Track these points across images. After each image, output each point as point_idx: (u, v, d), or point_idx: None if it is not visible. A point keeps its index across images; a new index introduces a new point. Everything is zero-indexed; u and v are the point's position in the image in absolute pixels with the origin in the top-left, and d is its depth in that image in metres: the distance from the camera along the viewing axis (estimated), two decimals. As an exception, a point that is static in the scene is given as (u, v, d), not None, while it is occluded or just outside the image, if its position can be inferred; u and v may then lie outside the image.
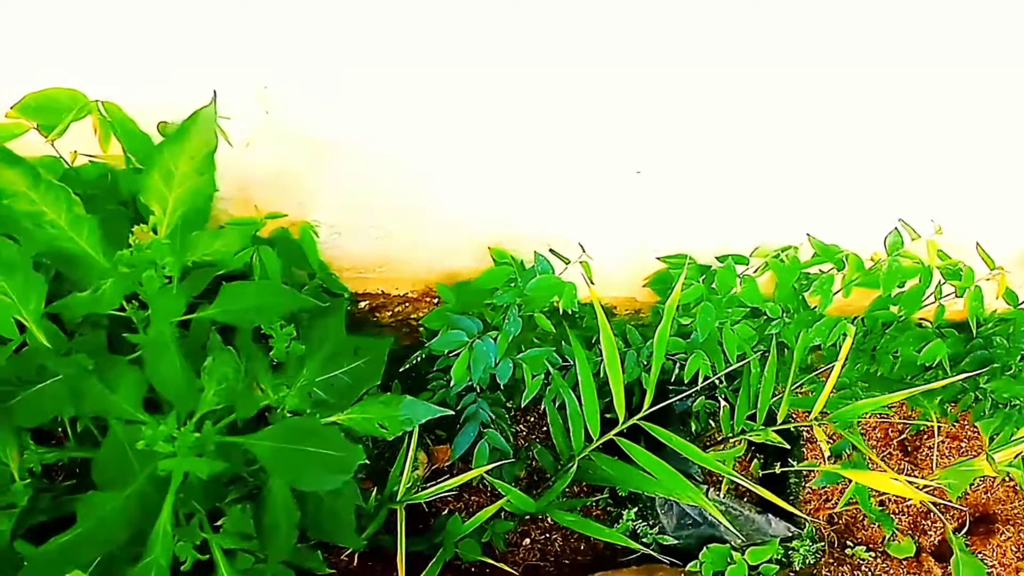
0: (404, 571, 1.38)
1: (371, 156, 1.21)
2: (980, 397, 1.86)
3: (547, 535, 1.76)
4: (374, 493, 1.49)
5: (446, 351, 1.44)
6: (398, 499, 1.47)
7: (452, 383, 1.43)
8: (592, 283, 1.48)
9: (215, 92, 0.80)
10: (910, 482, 1.62)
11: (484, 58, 1.07)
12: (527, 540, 1.74)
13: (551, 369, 1.56)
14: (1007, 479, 2.17)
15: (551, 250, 1.46)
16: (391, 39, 1.01)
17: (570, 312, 1.49)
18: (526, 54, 1.07)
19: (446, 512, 1.69)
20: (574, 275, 1.48)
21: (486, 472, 1.53)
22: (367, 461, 1.63)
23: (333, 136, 1.16)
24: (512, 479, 1.66)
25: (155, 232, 0.79)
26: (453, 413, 1.28)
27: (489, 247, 1.43)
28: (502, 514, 1.69)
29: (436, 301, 1.58)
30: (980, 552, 1.94)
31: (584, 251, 1.46)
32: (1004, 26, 1.14)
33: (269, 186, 1.20)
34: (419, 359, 1.59)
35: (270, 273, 1.19)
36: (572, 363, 1.58)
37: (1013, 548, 1.96)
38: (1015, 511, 2.07)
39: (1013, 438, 1.61)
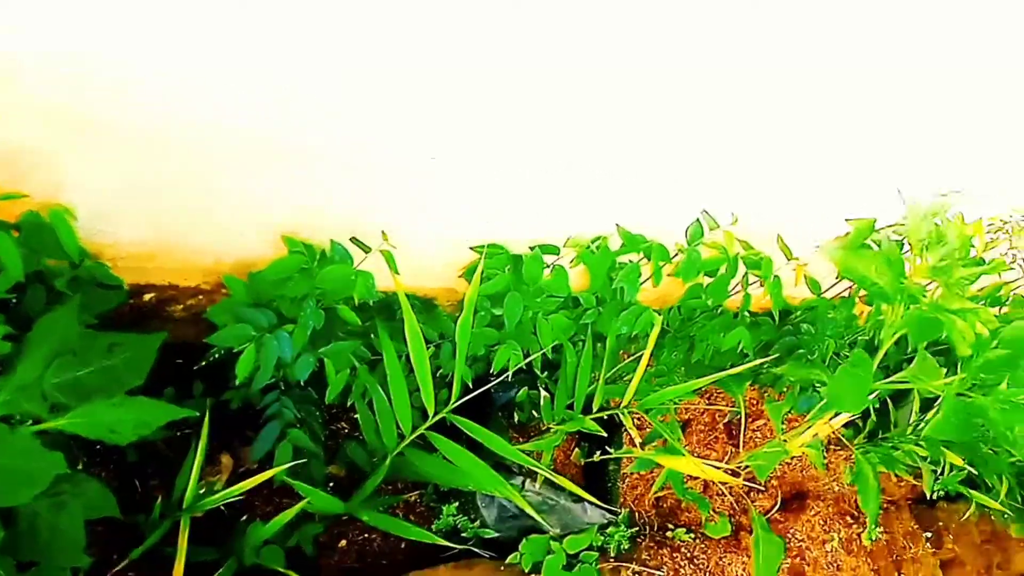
0: (184, 584, 1.28)
1: (145, 134, 1.10)
2: (789, 384, 1.95)
3: (365, 535, 1.69)
4: (158, 501, 1.37)
5: (236, 347, 1.35)
6: (184, 506, 1.36)
7: (238, 380, 1.33)
8: (397, 272, 1.42)
9: None
10: (716, 466, 1.68)
11: (275, 33, 0.98)
12: (343, 541, 1.67)
13: (357, 364, 1.49)
14: (824, 456, 2.31)
15: (352, 239, 1.39)
16: (163, 6, 0.91)
17: (372, 303, 1.42)
18: (319, 37, 1.00)
19: (244, 519, 1.59)
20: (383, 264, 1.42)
21: (287, 474, 1.44)
22: (159, 463, 1.52)
23: (97, 112, 1.04)
24: (322, 478, 1.58)
25: None
26: (198, 415, 1.18)
27: (282, 235, 1.34)
28: (316, 516, 1.61)
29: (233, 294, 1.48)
30: (792, 527, 2.05)
31: (386, 239, 1.39)
32: (800, 27, 1.17)
33: (14, 166, 1.07)
34: (217, 356, 1.48)
35: (3, 261, 1.06)
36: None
37: (821, 522, 2.08)
38: (825, 487, 2.21)
39: (807, 419, 1.69)
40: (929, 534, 2.26)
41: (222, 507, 1.51)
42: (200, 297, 1.49)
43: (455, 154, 1.29)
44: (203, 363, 1.49)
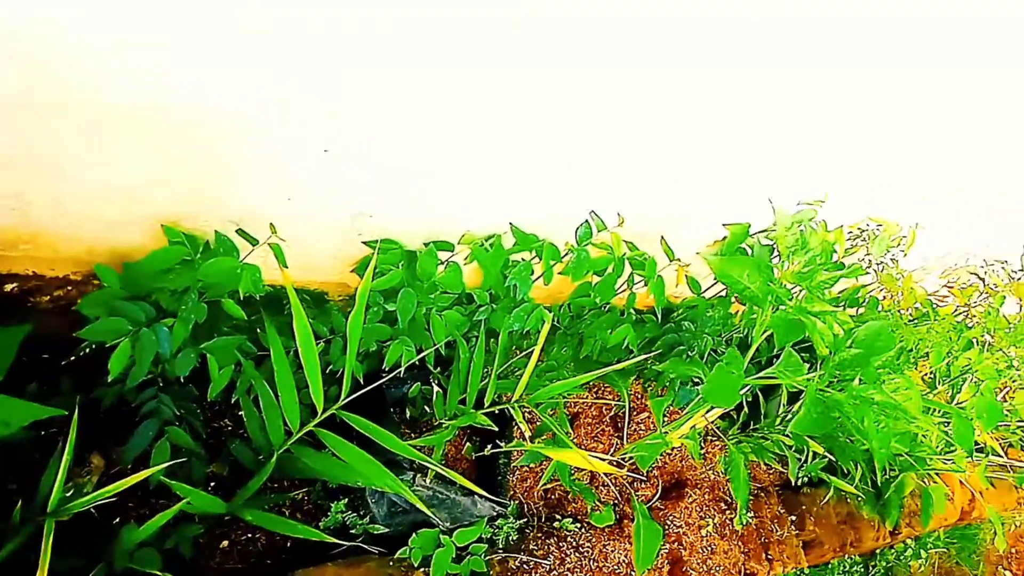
0: (49, 593, 1.20)
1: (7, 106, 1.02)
2: (671, 379, 2.05)
3: (249, 535, 1.65)
4: (19, 505, 1.28)
5: (109, 341, 1.28)
6: (49, 510, 1.28)
7: (110, 377, 1.26)
8: (285, 266, 1.39)
9: None
10: (601, 458, 1.75)
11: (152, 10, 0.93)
12: (225, 542, 1.62)
13: (242, 360, 1.45)
14: (702, 447, 2.45)
15: (239, 231, 1.35)
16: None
17: (258, 298, 1.39)
18: (203, 19, 0.96)
19: (117, 521, 1.51)
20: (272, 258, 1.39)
21: (164, 474, 1.38)
22: (17, 467, 1.41)
23: None
24: (203, 478, 1.53)
25: None
26: (66, 413, 1.12)
27: (162, 224, 1.28)
28: (196, 517, 1.55)
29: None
30: (671, 514, 2.16)
31: (275, 232, 1.36)
32: (683, 29, 1.22)
33: None
34: (88, 350, 1.40)
35: None
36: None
37: (698, 508, 2.21)
38: (703, 476, 2.34)
39: (686, 412, 1.79)
40: (794, 517, 2.45)
41: (92, 510, 1.43)
42: (69, 288, 1.40)
43: (348, 147, 1.28)
44: (72, 358, 1.40)
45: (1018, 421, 2.62)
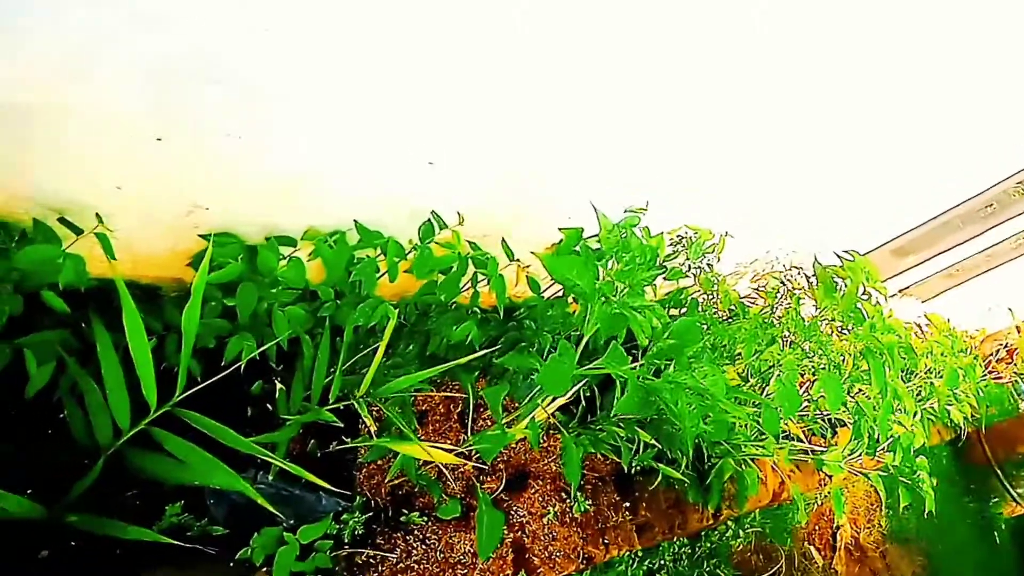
0: None
1: None
2: (512, 372, 2.16)
3: (74, 542, 1.55)
4: None
5: (-95, 335, 1.18)
6: None
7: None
8: (113, 257, 1.35)
9: None
10: (445, 449, 1.81)
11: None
12: (45, 551, 1.52)
13: (66, 357, 1.38)
14: (544, 440, 2.58)
15: (61, 219, 1.30)
16: None
17: (83, 291, 1.34)
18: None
19: (-87, 533, 1.38)
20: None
21: (-29, 479, 1.29)
22: None
23: None
24: (19, 483, 1.42)
25: None
26: None
27: (-31, 210, 1.21)
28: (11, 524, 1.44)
29: (-97, 275, 1.29)
30: (515, 505, 2.27)
31: (101, 222, 1.32)
32: (505, 29, 1.32)
33: None
34: None
35: None
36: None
37: (540, 498, 2.34)
38: (545, 467, 2.47)
39: (522, 405, 1.90)
40: (628, 504, 2.64)
41: None
42: None
43: (181, 135, 1.27)
44: None
45: (816, 411, 2.99)
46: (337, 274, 1.63)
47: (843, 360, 2.78)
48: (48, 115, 1.14)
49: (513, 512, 2.23)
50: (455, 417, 2.34)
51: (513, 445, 2.42)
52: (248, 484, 1.52)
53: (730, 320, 2.58)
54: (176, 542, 1.53)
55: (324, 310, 1.67)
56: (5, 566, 1.41)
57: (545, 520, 2.29)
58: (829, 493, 3.62)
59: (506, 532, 2.15)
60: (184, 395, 1.45)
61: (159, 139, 1.24)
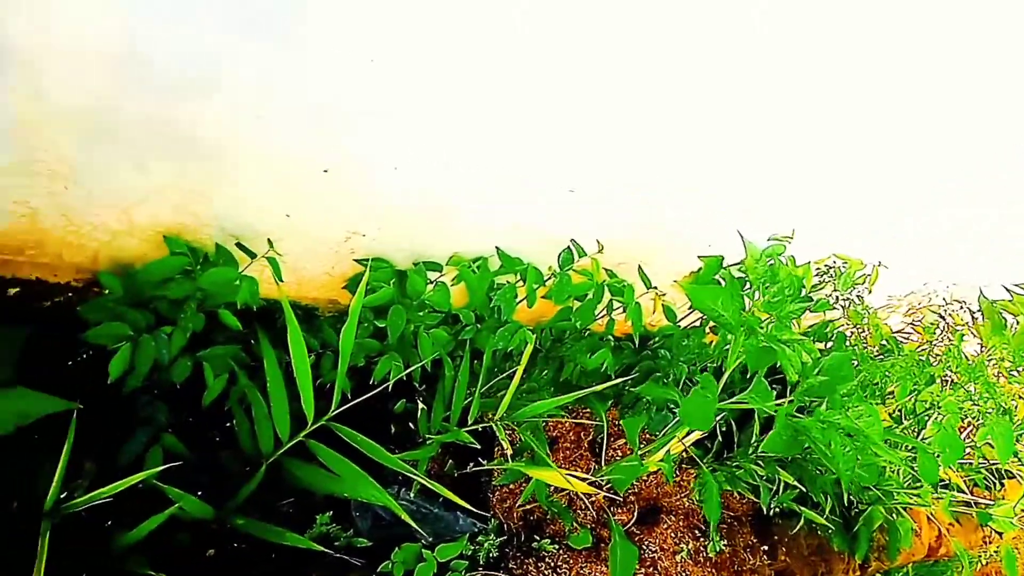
0: (41, 592, 1.23)
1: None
2: (647, 402, 2.12)
3: (235, 544, 1.67)
4: (15, 505, 1.31)
5: (110, 346, 1.33)
6: (45, 510, 1.31)
7: (111, 379, 1.32)
8: (281, 280, 1.46)
9: None
10: (580, 478, 1.80)
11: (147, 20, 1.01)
12: (212, 550, 1.64)
13: (237, 369, 1.50)
14: (677, 474, 2.50)
15: (238, 244, 1.42)
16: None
17: (255, 309, 1.45)
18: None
19: (109, 524, 1.53)
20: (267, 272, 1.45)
21: (157, 479, 1.42)
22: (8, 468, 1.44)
23: None
24: (193, 485, 1.56)
25: None
26: (80, 406, 1.17)
27: (164, 235, 1.35)
28: (184, 523, 1.57)
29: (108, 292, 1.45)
30: (646, 539, 2.21)
31: (272, 247, 1.43)
32: (677, 55, 1.32)
33: None
34: (87, 355, 1.45)
35: None
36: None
37: (672, 534, 2.26)
38: (678, 502, 2.39)
39: (658, 437, 1.85)
40: (766, 547, 2.50)
41: (84, 514, 1.46)
42: (70, 295, 1.45)
43: (346, 167, 1.36)
44: (70, 363, 1.45)
45: (981, 459, 2.71)
46: (479, 299, 1.67)
47: (1014, 405, 2.51)
48: (230, 150, 1.26)
49: (645, 547, 2.18)
50: (584, 445, 2.32)
51: (644, 477, 2.36)
52: (392, 499, 1.58)
53: (882, 357, 2.41)
54: (327, 551, 1.61)
55: (465, 333, 1.71)
56: (178, 562, 1.53)
57: (678, 558, 2.21)
58: (997, 551, 3.26)
59: (638, 568, 2.10)
60: (338, 411, 1.54)
61: (326, 171, 1.34)
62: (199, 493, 1.65)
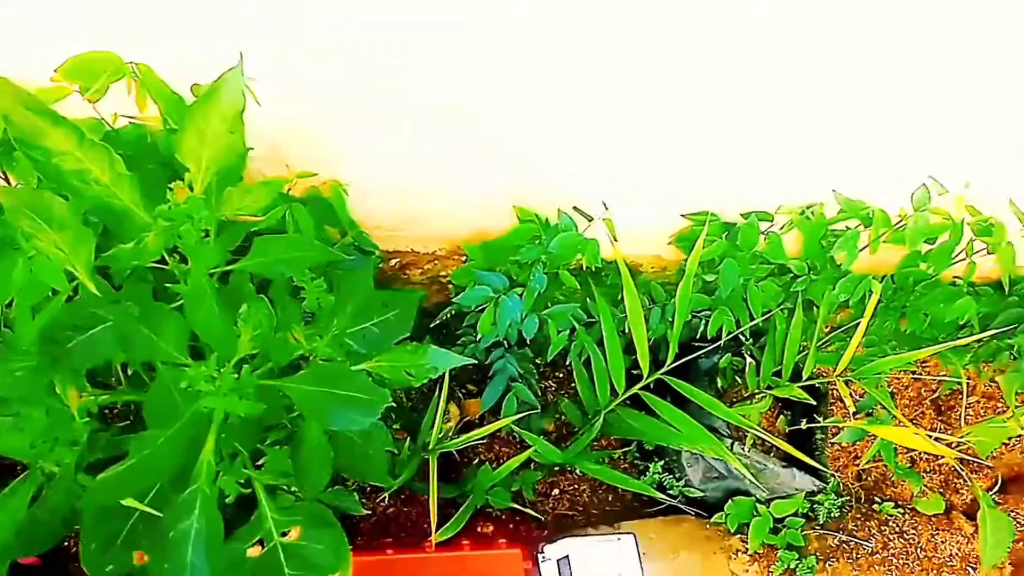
0: (436, 515, 1.45)
1: (393, 117, 1.25)
2: (1016, 356, 1.83)
3: (575, 486, 1.81)
4: (407, 442, 1.56)
5: (473, 307, 1.50)
6: (430, 448, 1.54)
7: (480, 338, 1.48)
8: (616, 240, 1.50)
9: (241, 54, 0.84)
10: (938, 439, 1.63)
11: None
12: (556, 490, 1.80)
13: (576, 325, 1.60)
14: (1047, 439, 2.15)
15: (575, 208, 1.49)
16: None
17: (594, 269, 1.52)
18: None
19: (476, 462, 1.75)
20: (599, 233, 1.50)
21: (514, 423, 1.58)
22: (401, 411, 1.71)
23: (358, 96, 1.20)
24: (540, 431, 1.71)
25: (191, 189, 0.85)
26: (477, 363, 1.33)
27: (514, 206, 1.46)
28: (531, 464, 1.75)
29: (464, 259, 1.63)
30: (1013, 509, 1.93)
31: (607, 208, 1.48)
32: None
33: (299, 145, 1.26)
34: (449, 315, 1.65)
35: (302, 229, 1.25)
36: (597, 319, 1.61)
37: (1046, 507, 1.95)
38: (1051, 471, 2.05)
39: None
40: None
41: (454, 452, 1.69)
42: (435, 263, 1.66)
43: (663, 126, 1.35)
44: (437, 321, 1.66)
45: None
46: (813, 248, 1.56)
47: None
48: (569, 123, 1.32)
49: (1012, 518, 1.91)
50: (927, 403, 2.09)
51: (1006, 441, 2.06)
52: (728, 452, 1.58)
53: None
54: (664, 498, 1.67)
55: (797, 284, 1.62)
56: (533, 498, 1.70)
57: (1054, 534, 1.91)
58: None
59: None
60: (673, 365, 1.56)
61: (643, 131, 1.34)
62: (552, 436, 1.81)
